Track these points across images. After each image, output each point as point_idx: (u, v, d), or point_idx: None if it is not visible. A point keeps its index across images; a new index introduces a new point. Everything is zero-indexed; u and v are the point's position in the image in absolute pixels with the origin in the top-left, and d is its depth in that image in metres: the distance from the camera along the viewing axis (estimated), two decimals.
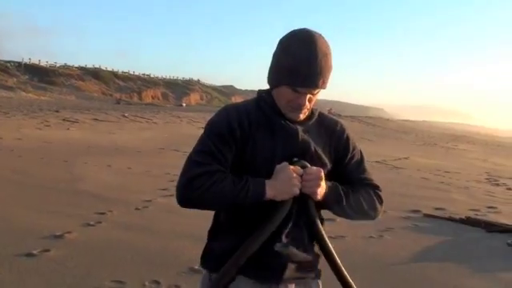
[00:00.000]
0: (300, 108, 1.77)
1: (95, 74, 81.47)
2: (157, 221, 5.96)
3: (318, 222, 1.78)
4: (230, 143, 1.74)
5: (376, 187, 1.93)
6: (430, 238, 6.14)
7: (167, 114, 33.61)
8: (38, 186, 7.74)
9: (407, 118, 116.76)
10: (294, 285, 1.82)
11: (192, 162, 1.73)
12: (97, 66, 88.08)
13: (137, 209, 6.61)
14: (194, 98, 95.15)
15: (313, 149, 1.80)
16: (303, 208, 1.77)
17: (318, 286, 1.93)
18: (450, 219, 7.24)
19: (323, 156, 1.83)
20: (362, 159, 1.96)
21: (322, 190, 1.73)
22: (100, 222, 5.74)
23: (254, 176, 1.71)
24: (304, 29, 1.77)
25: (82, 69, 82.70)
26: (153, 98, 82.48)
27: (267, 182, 1.69)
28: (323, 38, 1.76)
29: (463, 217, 7.32)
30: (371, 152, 20.42)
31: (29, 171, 9.10)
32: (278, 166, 1.71)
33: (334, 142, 1.90)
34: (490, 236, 6.43)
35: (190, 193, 1.71)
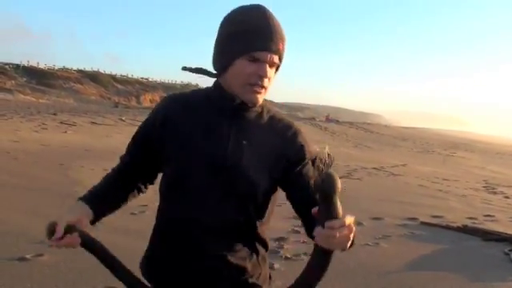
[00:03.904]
0: (261, 81, 1.55)
1: (94, 77, 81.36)
2: (152, 226, 5.90)
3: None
4: (143, 142, 1.70)
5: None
6: (426, 246, 6.11)
7: None
8: (34, 189, 7.70)
9: (406, 124, 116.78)
10: None
11: None
12: (95, 69, 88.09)
13: (132, 213, 6.56)
14: None
15: (243, 162, 1.57)
16: (317, 256, 1.37)
17: None
18: (447, 227, 7.21)
19: (254, 173, 1.58)
20: (313, 164, 1.71)
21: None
22: (94, 227, 5.69)
23: (175, 166, 1.61)
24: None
25: (81, 72, 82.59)
26: (151, 101, 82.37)
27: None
28: None
29: (460, 225, 7.30)
30: (369, 159, 20.42)
31: (25, 174, 9.05)
32: None
33: (284, 149, 1.64)
34: (487, 245, 6.40)
35: None
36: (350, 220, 1.28)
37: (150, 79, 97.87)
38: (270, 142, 1.62)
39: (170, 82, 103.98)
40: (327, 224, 1.26)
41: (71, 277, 4.14)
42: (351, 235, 1.30)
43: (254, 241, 1.68)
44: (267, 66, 1.54)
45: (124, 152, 1.77)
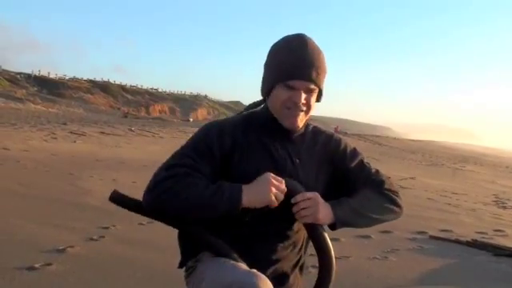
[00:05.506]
0: (296, 108, 1.70)
1: (104, 87, 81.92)
2: (161, 236, 5.89)
3: (331, 251, 1.74)
4: (209, 159, 1.70)
5: (380, 183, 1.90)
6: (435, 261, 6.06)
7: (174, 128, 33.65)
8: (43, 199, 7.73)
9: (415, 137, 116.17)
10: None
11: (165, 164, 1.81)
12: (105, 79, 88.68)
13: (141, 224, 6.57)
14: (202, 113, 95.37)
15: (300, 178, 1.75)
16: (314, 238, 1.72)
17: None
18: (457, 242, 7.15)
19: (312, 187, 1.75)
20: (362, 162, 1.91)
21: (323, 213, 1.67)
22: (103, 237, 5.71)
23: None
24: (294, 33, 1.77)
25: (91, 82, 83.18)
26: (160, 112, 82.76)
27: (244, 186, 1.61)
28: (314, 40, 1.75)
29: (470, 239, 7.24)
30: None
31: (34, 183, 9.10)
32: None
33: (329, 158, 1.86)
34: (497, 260, 6.33)
35: (154, 197, 1.76)
36: (308, 195, 1.65)
37: (160, 90, 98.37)
38: (317, 155, 1.83)
39: (179, 92, 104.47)
40: (292, 200, 1.64)
41: (80, 287, 4.14)
42: (316, 207, 1.64)
43: (303, 250, 1.93)
44: (302, 92, 1.69)
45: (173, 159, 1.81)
